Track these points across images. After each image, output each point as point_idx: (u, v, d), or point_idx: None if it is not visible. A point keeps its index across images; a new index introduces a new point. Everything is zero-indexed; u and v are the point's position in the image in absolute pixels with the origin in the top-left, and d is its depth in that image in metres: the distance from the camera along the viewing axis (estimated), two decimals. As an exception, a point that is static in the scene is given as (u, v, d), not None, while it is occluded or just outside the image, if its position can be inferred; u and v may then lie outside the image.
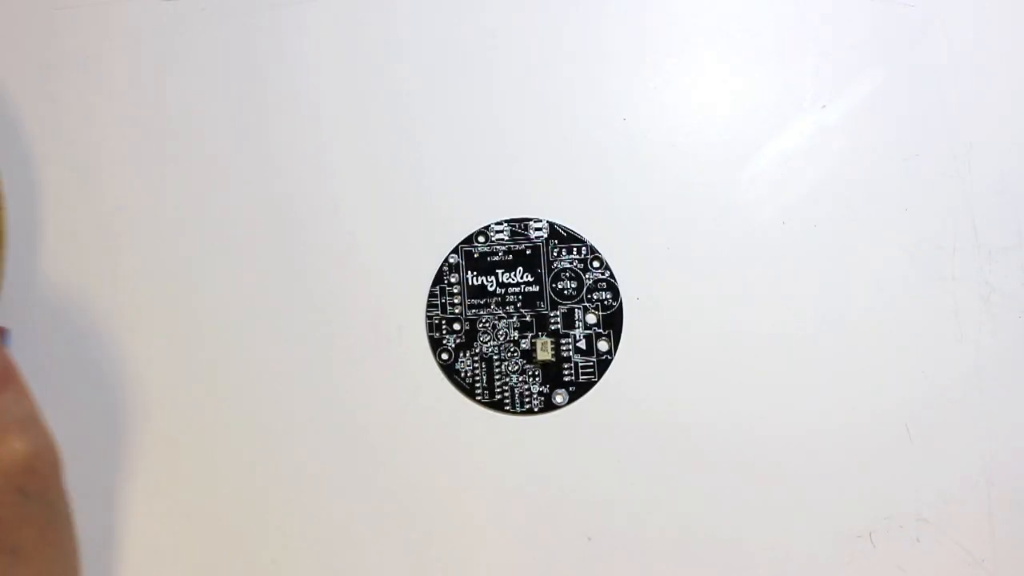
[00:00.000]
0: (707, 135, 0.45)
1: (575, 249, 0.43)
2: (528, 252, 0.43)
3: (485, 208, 0.44)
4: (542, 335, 0.43)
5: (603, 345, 0.43)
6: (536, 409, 0.43)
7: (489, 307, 0.43)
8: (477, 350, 0.43)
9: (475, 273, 0.43)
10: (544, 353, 0.43)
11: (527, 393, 0.43)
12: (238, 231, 0.45)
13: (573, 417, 0.44)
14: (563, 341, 0.43)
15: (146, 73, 0.45)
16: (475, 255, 0.43)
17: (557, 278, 0.43)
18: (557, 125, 0.45)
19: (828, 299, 0.44)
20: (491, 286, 0.43)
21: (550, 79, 0.46)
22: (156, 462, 0.44)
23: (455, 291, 0.43)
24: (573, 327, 0.43)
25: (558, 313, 0.43)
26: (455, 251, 0.43)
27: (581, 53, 0.46)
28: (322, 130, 0.45)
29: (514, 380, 0.43)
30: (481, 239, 0.43)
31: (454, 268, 0.43)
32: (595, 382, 0.43)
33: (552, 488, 0.44)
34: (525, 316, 0.43)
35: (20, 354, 0.43)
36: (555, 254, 0.43)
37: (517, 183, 0.45)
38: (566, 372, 0.43)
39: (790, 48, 0.45)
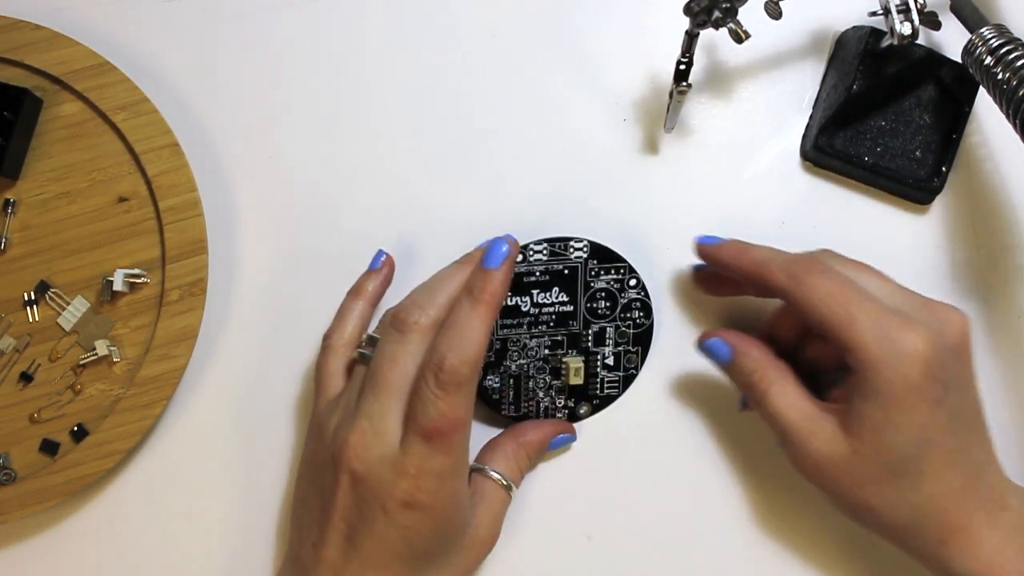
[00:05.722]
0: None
1: (614, 269, 0.42)
2: (566, 272, 0.42)
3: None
4: (573, 352, 0.42)
5: (630, 361, 0.43)
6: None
7: (521, 327, 0.42)
8: (506, 370, 0.42)
9: (510, 294, 0.42)
10: (576, 378, 0.42)
11: (551, 408, 0.43)
12: (240, 225, 0.45)
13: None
14: (593, 359, 0.43)
15: (147, 72, 0.45)
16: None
17: (593, 298, 0.42)
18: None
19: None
20: (525, 307, 0.42)
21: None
22: (157, 460, 0.44)
23: None
24: (604, 344, 0.43)
25: (590, 332, 0.42)
26: None
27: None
28: (341, 140, 0.45)
29: (540, 395, 0.43)
30: (519, 258, 0.41)
31: None
32: (618, 395, 0.43)
33: (554, 489, 0.44)
34: (557, 335, 0.42)
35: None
36: (593, 274, 0.42)
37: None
38: (591, 387, 0.43)
39: (791, 49, 0.45)
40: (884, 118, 0.43)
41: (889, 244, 0.44)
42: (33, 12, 0.44)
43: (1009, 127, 0.37)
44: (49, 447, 0.43)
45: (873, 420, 0.35)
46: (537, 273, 0.42)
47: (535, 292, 0.42)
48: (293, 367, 0.44)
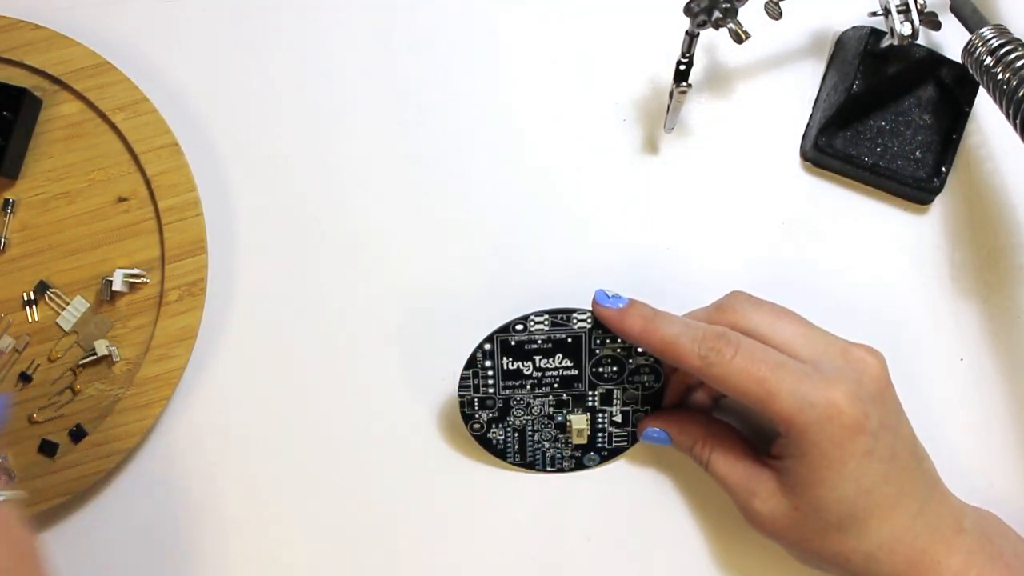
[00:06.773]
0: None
1: (621, 339, 0.40)
2: (570, 340, 0.41)
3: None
4: (578, 411, 0.42)
5: (640, 419, 0.42)
6: (567, 468, 0.43)
7: (524, 388, 0.41)
8: (510, 424, 0.42)
9: (510, 359, 0.41)
10: (580, 439, 0.42)
11: (557, 457, 0.43)
12: (240, 225, 0.45)
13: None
14: (599, 417, 0.42)
15: (147, 72, 0.45)
16: (511, 343, 0.41)
17: (599, 363, 0.41)
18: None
19: (829, 317, 0.44)
20: (527, 370, 0.41)
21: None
22: (156, 460, 0.44)
23: (489, 374, 0.41)
24: (611, 404, 0.42)
25: (596, 393, 0.42)
26: (489, 339, 0.41)
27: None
28: (341, 140, 0.45)
29: (546, 446, 0.43)
30: (519, 327, 0.40)
31: (488, 355, 0.41)
32: (627, 447, 0.43)
33: (554, 490, 0.44)
34: (561, 395, 0.41)
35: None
36: (598, 343, 0.41)
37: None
38: (599, 440, 0.43)
39: (791, 49, 0.45)
40: (884, 118, 0.43)
41: (889, 244, 0.44)
42: (33, 12, 0.44)
43: (1009, 127, 0.37)
44: (48, 448, 0.43)
45: (806, 479, 0.36)
46: (539, 341, 0.41)
47: (537, 358, 0.41)
48: (293, 367, 0.44)
